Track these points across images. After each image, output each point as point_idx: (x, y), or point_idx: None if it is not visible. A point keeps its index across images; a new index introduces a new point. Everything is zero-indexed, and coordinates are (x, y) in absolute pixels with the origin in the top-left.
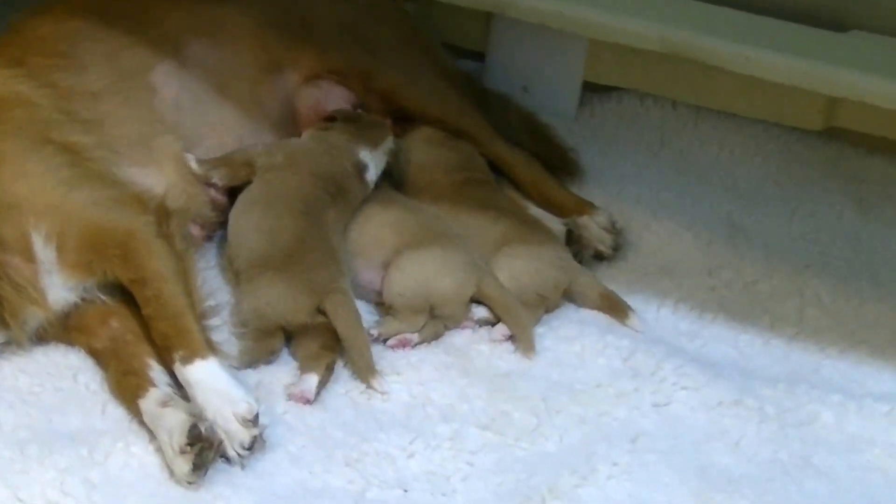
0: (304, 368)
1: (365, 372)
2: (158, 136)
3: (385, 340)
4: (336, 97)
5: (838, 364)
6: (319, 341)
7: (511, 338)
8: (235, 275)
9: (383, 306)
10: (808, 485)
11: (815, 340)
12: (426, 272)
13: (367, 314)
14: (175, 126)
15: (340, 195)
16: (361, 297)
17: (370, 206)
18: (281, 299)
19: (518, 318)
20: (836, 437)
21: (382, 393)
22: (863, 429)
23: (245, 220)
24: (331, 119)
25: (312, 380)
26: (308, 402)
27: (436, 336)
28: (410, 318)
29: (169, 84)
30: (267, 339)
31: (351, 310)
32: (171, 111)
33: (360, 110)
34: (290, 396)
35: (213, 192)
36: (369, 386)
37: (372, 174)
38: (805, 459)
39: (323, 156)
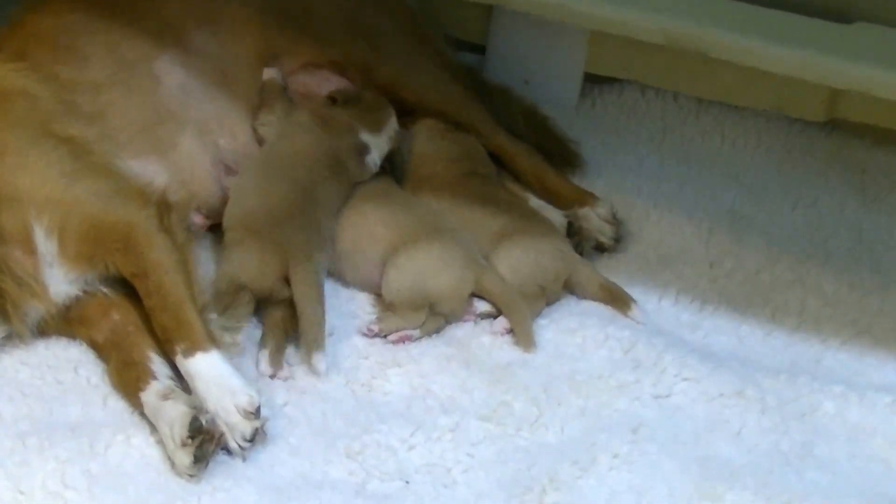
0: (261, 343)
1: (309, 346)
2: (162, 126)
3: (385, 336)
4: (333, 86)
5: (840, 355)
6: (281, 313)
7: (512, 331)
8: (226, 236)
9: (383, 302)
10: (809, 475)
11: (817, 331)
12: (424, 270)
13: (366, 309)
14: (181, 115)
15: (339, 173)
16: (365, 291)
17: (366, 202)
18: (251, 262)
19: (519, 312)
20: (837, 428)
21: (317, 373)
22: (864, 419)
23: (243, 181)
24: (331, 100)
25: (263, 355)
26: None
27: (437, 330)
28: (410, 315)
29: (173, 73)
30: (236, 306)
31: (312, 283)
32: (176, 100)
33: (367, 91)
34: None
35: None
36: (308, 363)
37: (374, 157)
38: (806, 450)
39: (321, 130)
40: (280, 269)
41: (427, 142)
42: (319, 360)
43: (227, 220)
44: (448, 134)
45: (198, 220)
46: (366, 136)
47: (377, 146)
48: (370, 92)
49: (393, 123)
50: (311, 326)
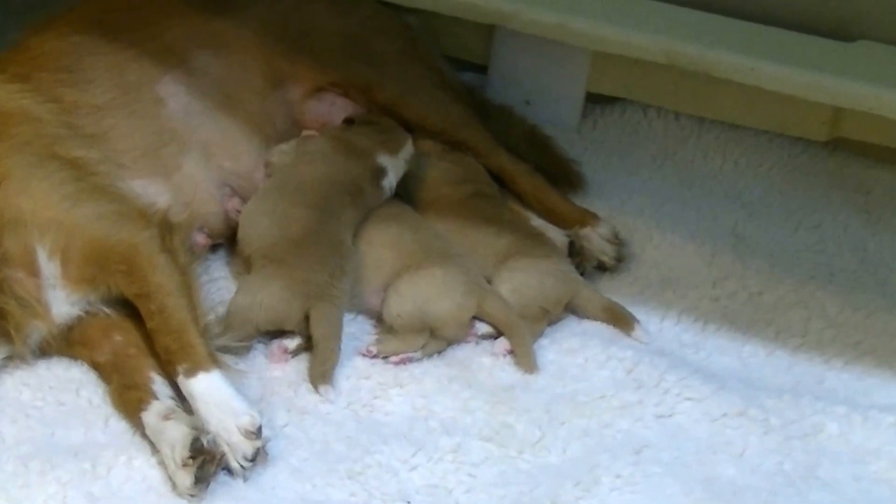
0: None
1: (318, 377)
2: (165, 148)
3: (385, 358)
4: (340, 109)
5: (843, 375)
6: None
7: (512, 352)
8: (245, 263)
9: (384, 324)
10: (812, 496)
11: (820, 351)
12: (424, 295)
13: (367, 330)
14: (184, 137)
15: (357, 198)
16: (365, 313)
17: (372, 226)
18: (275, 298)
19: (520, 336)
20: (841, 449)
21: (326, 400)
22: (868, 440)
23: (259, 206)
24: (349, 122)
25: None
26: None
27: (438, 352)
28: (411, 338)
29: (177, 95)
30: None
31: (333, 322)
32: (179, 122)
33: (378, 115)
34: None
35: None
36: (316, 389)
37: (391, 180)
38: (810, 471)
39: (340, 155)
40: (303, 308)
41: (429, 165)
42: (327, 392)
43: (246, 248)
44: (446, 155)
45: (200, 239)
46: (384, 159)
47: (394, 169)
48: (387, 119)
49: (409, 146)
50: (325, 362)
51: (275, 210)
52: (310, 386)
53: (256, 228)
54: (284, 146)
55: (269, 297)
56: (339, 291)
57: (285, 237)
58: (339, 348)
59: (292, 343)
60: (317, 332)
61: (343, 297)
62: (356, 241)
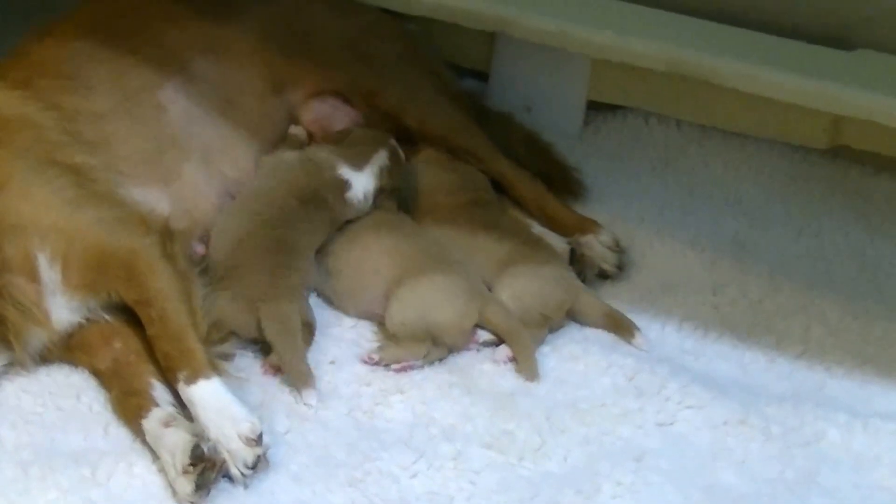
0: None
1: (296, 386)
2: (166, 154)
3: (386, 365)
4: (341, 114)
5: (844, 382)
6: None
7: (514, 359)
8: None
9: (385, 331)
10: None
11: (821, 359)
12: (427, 303)
13: (368, 337)
14: (185, 143)
15: (319, 210)
16: (366, 320)
17: (368, 233)
18: (226, 303)
19: (521, 343)
20: (841, 456)
21: (308, 405)
22: (869, 448)
23: (223, 218)
24: (343, 133)
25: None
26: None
27: (439, 359)
28: (413, 346)
29: (178, 102)
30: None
31: (282, 319)
32: (180, 129)
33: (358, 127)
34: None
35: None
36: (302, 396)
37: (357, 193)
38: (810, 478)
39: (299, 169)
40: (254, 317)
41: (426, 174)
42: (310, 397)
43: (211, 258)
44: (448, 163)
45: (199, 249)
46: (346, 172)
47: (360, 182)
48: (365, 128)
49: (379, 159)
50: (287, 367)
51: (232, 224)
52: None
53: (219, 242)
54: (262, 159)
55: (219, 308)
56: (283, 289)
57: (240, 248)
58: (298, 343)
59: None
60: (267, 333)
61: (291, 293)
62: (350, 246)
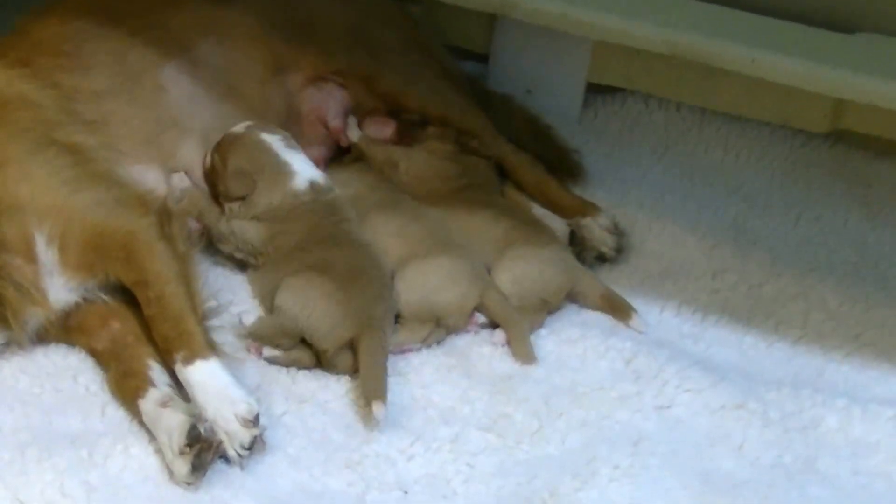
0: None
1: (370, 394)
2: (165, 135)
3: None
4: (336, 100)
5: (843, 368)
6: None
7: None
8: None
9: None
10: (811, 490)
11: (820, 344)
12: (432, 283)
13: None
14: (185, 124)
15: None
16: None
17: (377, 214)
18: (327, 318)
19: (517, 329)
20: (840, 442)
21: (375, 420)
22: (867, 433)
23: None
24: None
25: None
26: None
27: (438, 341)
28: (416, 328)
29: (179, 82)
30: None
31: (380, 350)
32: (180, 109)
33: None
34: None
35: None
36: (367, 405)
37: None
38: (808, 464)
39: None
40: (350, 335)
41: (425, 164)
42: (381, 410)
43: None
44: (452, 156)
45: (195, 225)
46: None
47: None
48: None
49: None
50: (370, 388)
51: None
52: (307, 374)
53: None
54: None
55: (323, 314)
56: (386, 327)
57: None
58: (386, 375)
59: (270, 353)
60: (362, 360)
61: (389, 333)
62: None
